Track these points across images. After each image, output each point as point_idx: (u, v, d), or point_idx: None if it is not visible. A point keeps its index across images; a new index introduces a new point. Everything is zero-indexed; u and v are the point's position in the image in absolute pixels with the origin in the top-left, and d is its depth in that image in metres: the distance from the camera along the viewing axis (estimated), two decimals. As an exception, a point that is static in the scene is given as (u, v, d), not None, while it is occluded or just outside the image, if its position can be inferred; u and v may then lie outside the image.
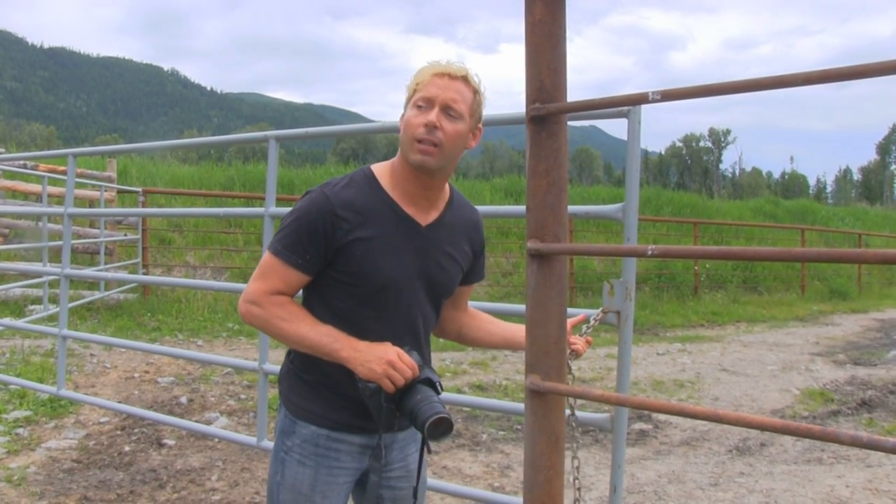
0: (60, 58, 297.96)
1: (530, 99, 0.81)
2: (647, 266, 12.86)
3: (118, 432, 4.62)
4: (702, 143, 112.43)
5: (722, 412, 0.69)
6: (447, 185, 1.83)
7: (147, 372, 6.00)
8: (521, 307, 2.37)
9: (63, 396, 4.18)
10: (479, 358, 7.15)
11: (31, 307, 8.08)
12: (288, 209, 1.86)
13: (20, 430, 4.48)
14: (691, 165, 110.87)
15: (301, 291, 1.79)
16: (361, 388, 1.66)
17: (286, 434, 1.82)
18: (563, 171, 0.83)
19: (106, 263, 9.35)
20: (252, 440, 3.24)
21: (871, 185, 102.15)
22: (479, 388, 6.14)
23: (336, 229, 1.68)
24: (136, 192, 10.15)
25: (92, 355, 6.36)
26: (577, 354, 1.80)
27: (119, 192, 10.43)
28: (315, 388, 1.79)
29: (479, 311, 2.06)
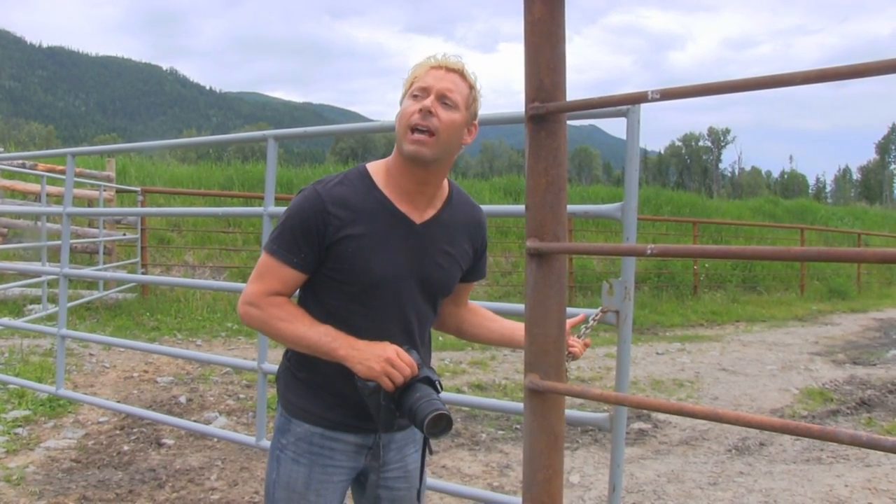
0: (59, 57, 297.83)
1: (529, 98, 0.81)
2: (647, 265, 12.87)
3: (117, 432, 4.61)
4: (701, 143, 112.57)
5: (721, 411, 0.69)
6: (446, 183, 1.82)
7: (146, 371, 5.99)
8: (521, 306, 2.37)
9: (62, 396, 4.18)
10: (479, 357, 7.15)
11: (30, 307, 8.08)
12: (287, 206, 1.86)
13: (19, 430, 4.47)
14: (690, 165, 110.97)
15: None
16: (360, 386, 1.65)
17: (281, 432, 1.82)
18: (563, 171, 0.83)
19: (105, 263, 9.35)
20: (251, 440, 3.24)
21: (870, 184, 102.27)
22: (479, 388, 6.14)
23: (327, 226, 1.67)
24: (135, 192, 10.15)
25: (91, 355, 6.36)
26: (574, 357, 1.80)
27: (118, 191, 10.42)
28: (309, 386, 1.79)
29: (479, 307, 2.06)
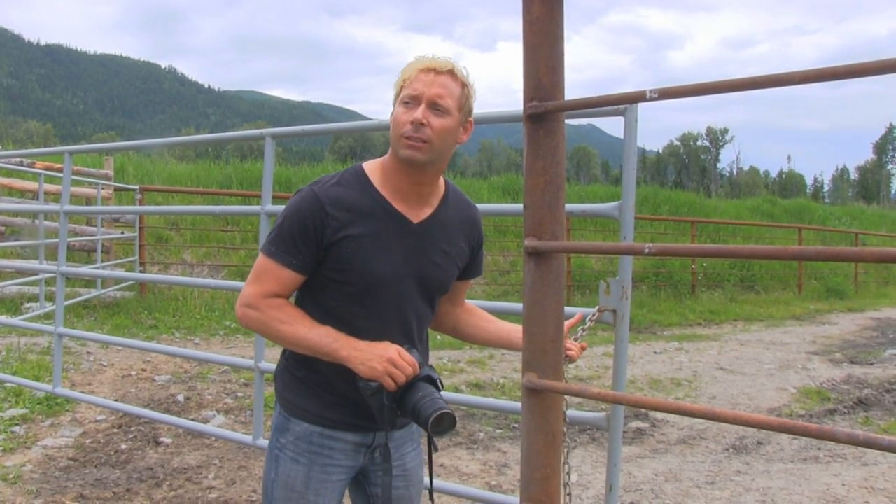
0: (57, 55, 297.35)
1: (528, 97, 0.81)
2: (645, 265, 12.88)
3: (115, 430, 4.61)
4: (699, 142, 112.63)
5: (719, 410, 0.69)
6: (442, 181, 1.82)
7: (144, 370, 5.99)
8: (519, 306, 2.37)
9: (59, 394, 4.17)
10: (477, 356, 7.15)
11: (28, 305, 8.07)
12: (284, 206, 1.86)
13: (16, 429, 4.47)
14: (689, 164, 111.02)
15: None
16: (363, 387, 1.65)
17: (280, 431, 1.82)
18: (561, 169, 0.83)
19: (103, 261, 9.33)
20: (249, 438, 3.24)
21: (868, 184, 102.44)
22: (477, 387, 6.14)
23: (326, 227, 1.67)
24: (133, 190, 10.14)
25: (88, 353, 6.35)
26: (571, 360, 1.80)
27: (116, 189, 10.41)
28: (308, 385, 1.79)
29: (476, 307, 2.06)
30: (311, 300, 1.76)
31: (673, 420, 5.36)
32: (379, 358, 1.64)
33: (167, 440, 4.47)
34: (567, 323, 1.92)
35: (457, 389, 5.68)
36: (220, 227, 11.54)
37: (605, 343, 7.81)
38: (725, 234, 16.37)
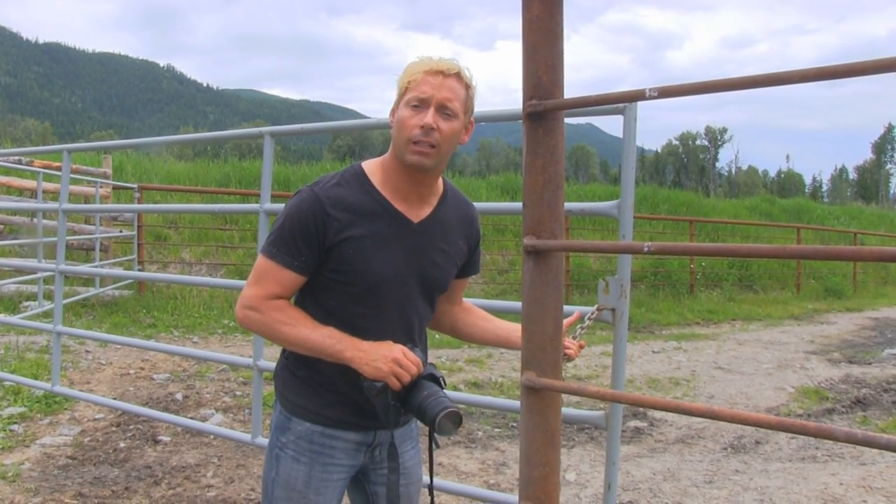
0: (55, 53, 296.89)
1: (527, 96, 0.81)
2: (643, 264, 12.89)
3: (113, 429, 4.61)
4: (698, 142, 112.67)
5: (717, 409, 0.69)
6: (440, 180, 1.82)
7: (142, 368, 5.99)
8: (517, 304, 2.37)
9: (58, 393, 4.17)
10: (475, 355, 7.15)
11: (26, 303, 8.06)
12: (283, 206, 1.85)
13: (15, 427, 4.46)
14: (687, 164, 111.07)
15: None
16: (367, 387, 1.65)
17: (281, 430, 1.82)
18: (560, 168, 0.83)
19: (101, 260, 9.32)
20: (247, 437, 3.24)
21: (866, 184, 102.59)
22: (475, 386, 6.15)
23: (328, 228, 1.66)
24: (132, 189, 10.13)
25: (87, 352, 6.35)
26: (569, 358, 1.80)
27: (114, 188, 10.39)
28: (308, 384, 1.79)
29: (473, 306, 2.06)
30: (312, 301, 1.76)
31: (671, 419, 5.37)
32: (384, 358, 1.64)
33: (166, 439, 4.47)
34: (565, 322, 1.92)
35: (455, 388, 5.68)
36: (218, 225, 11.54)
37: (604, 342, 7.82)
38: (724, 234, 16.38)
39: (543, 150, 0.82)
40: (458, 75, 1.67)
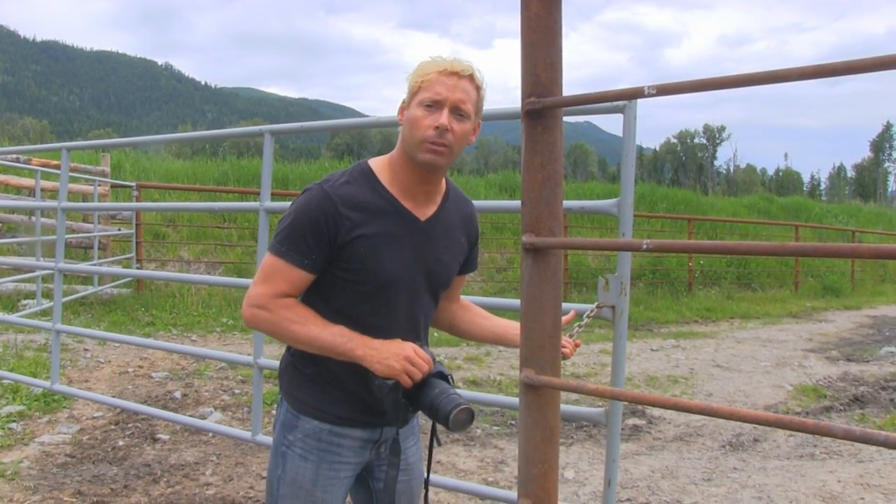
0: (53, 51, 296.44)
1: (526, 93, 0.81)
2: (642, 262, 12.90)
3: (112, 427, 4.61)
4: (696, 140, 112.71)
5: (716, 406, 0.69)
6: (443, 179, 1.84)
7: (141, 367, 5.98)
8: (516, 302, 2.38)
9: (56, 391, 4.17)
10: (474, 353, 7.16)
11: (25, 302, 8.05)
12: (282, 204, 1.85)
13: (13, 425, 4.46)
14: (686, 162, 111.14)
15: None
16: (378, 385, 1.65)
17: (288, 428, 1.81)
18: (559, 166, 0.83)
19: (100, 258, 9.31)
20: (246, 435, 3.24)
21: (864, 182, 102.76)
22: (474, 384, 6.15)
23: (339, 227, 1.66)
24: (130, 187, 10.11)
25: (86, 350, 6.35)
26: (564, 357, 1.80)
27: (113, 186, 10.38)
28: (316, 382, 1.79)
29: (471, 303, 2.07)
30: (321, 299, 1.75)
31: (670, 417, 5.37)
32: (396, 356, 1.64)
33: (164, 437, 4.47)
34: (562, 320, 1.92)
35: (454, 386, 5.68)
36: (217, 223, 11.53)
37: (602, 340, 7.83)
38: (722, 232, 16.39)
39: (542, 148, 0.82)
40: (471, 77, 1.68)
